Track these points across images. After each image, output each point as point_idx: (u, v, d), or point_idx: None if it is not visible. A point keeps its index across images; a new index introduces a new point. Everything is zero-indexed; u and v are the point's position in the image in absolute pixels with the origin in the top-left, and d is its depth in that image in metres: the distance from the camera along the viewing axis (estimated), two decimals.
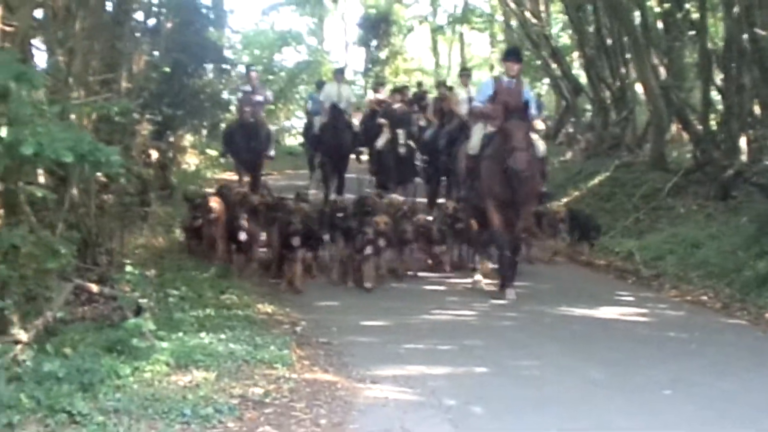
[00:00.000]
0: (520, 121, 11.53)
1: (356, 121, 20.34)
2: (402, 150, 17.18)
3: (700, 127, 18.71)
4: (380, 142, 18.02)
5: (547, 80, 30.23)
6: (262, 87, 19.34)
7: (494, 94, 12.34)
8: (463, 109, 16.62)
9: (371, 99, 25.04)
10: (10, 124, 6.70)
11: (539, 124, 13.78)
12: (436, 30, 41.62)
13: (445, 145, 16.95)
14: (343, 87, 19.11)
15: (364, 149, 21.09)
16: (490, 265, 13.18)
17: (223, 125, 23.66)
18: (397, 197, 15.49)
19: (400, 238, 13.04)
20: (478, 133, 12.51)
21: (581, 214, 15.87)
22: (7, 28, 8.74)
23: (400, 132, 17.28)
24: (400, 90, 21.25)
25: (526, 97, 12.24)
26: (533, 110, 12.45)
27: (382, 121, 18.72)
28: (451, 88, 21.00)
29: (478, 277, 12.98)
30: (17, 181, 8.00)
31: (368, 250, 12.27)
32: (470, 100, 16.22)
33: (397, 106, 19.23)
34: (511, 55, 12.94)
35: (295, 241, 12.20)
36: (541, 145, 12.57)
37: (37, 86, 7.37)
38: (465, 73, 19.65)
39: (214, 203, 13.10)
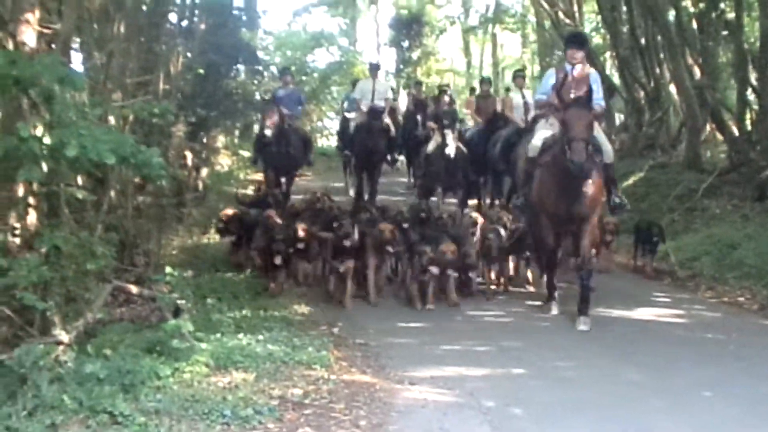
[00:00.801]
0: (581, 109, 10.04)
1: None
2: (450, 151, 15.90)
3: (735, 128, 18.62)
4: (430, 146, 16.85)
5: None
6: (295, 93, 18.30)
7: (558, 84, 10.92)
8: (518, 115, 16.03)
9: (410, 93, 24.32)
10: (54, 127, 6.76)
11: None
12: (468, 30, 41.61)
13: (501, 150, 15.81)
14: (378, 82, 18.28)
15: (399, 156, 20.54)
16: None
17: (256, 126, 23.60)
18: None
19: (464, 263, 11.69)
20: (540, 134, 11.10)
21: (644, 224, 14.48)
22: (46, 31, 8.82)
23: (448, 132, 16.04)
24: (445, 91, 20.09)
25: (594, 84, 10.87)
26: (600, 100, 11.09)
27: (431, 124, 17.97)
28: (490, 83, 20.67)
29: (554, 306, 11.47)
30: (59, 183, 8.07)
31: (434, 270, 11.34)
32: (526, 104, 15.82)
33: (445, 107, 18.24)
34: (573, 41, 11.69)
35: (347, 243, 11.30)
36: (608, 148, 11.17)
37: (80, 89, 7.44)
38: (520, 75, 18.14)
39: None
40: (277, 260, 11.22)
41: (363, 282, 11.83)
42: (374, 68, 19.15)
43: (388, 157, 19.17)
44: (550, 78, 11.47)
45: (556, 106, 10.78)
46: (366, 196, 17.89)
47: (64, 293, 7.91)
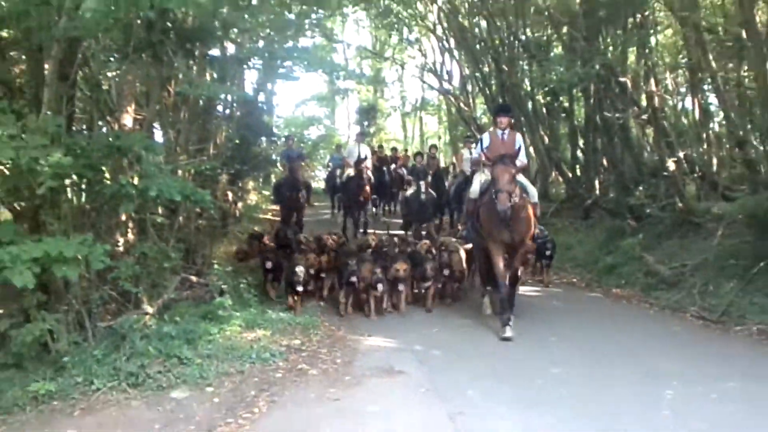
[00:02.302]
0: (505, 165, 8.39)
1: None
2: (423, 196, 14.66)
3: (569, 174, 18.82)
4: (409, 191, 15.53)
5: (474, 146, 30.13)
6: (300, 152, 17.28)
7: (490, 145, 9.30)
8: (467, 167, 14.07)
9: (375, 153, 22.64)
10: (141, 177, 6.74)
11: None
12: (405, 115, 41.77)
13: (454, 193, 14.94)
14: (362, 146, 16.72)
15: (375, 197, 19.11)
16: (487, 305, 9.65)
17: (273, 177, 23.40)
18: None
19: (421, 275, 9.93)
20: (477, 180, 9.63)
21: (540, 241, 11.59)
22: (138, 116, 8.79)
23: (422, 183, 14.83)
24: (420, 153, 18.08)
25: (518, 145, 9.22)
26: (523, 157, 9.49)
27: (409, 177, 16.38)
28: (436, 147, 19.67)
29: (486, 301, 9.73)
30: (146, 212, 8.03)
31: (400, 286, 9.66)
32: (472, 159, 12.78)
33: (420, 164, 16.40)
34: (501, 110, 9.97)
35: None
36: (533, 190, 9.57)
37: (158, 153, 7.42)
38: (469, 140, 16.53)
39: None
40: (299, 288, 9.25)
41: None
42: (360, 135, 18.19)
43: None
44: (485, 140, 9.64)
45: (484, 162, 9.33)
46: (361, 228, 15.96)
47: (150, 282, 7.83)
